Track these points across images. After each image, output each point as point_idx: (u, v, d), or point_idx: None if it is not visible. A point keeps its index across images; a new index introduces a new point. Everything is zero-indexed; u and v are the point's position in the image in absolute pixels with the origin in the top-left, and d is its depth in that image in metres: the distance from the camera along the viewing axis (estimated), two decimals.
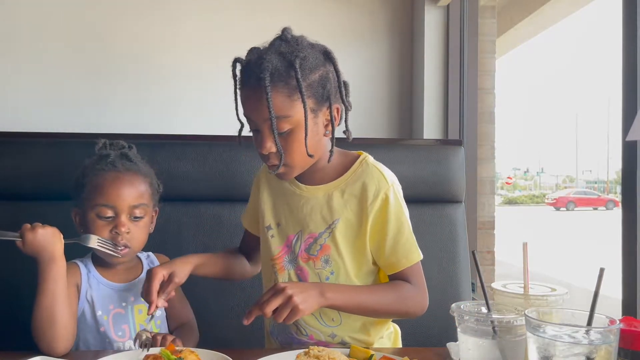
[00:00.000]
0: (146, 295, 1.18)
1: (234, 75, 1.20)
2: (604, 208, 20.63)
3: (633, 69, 1.30)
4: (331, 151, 1.22)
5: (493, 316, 0.92)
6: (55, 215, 1.66)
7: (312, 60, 1.15)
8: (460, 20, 2.30)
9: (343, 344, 1.26)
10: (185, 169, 1.70)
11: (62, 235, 1.20)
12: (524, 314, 0.84)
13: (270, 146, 1.15)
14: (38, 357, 1.06)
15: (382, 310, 1.23)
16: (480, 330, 0.91)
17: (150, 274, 1.20)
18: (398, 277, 1.25)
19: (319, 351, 1.02)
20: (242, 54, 1.22)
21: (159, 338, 1.19)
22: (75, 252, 1.32)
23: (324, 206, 1.25)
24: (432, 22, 2.30)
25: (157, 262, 1.43)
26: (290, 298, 1.09)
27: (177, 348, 1.09)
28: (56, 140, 1.79)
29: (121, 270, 1.37)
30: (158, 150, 1.67)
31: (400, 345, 1.39)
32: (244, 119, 1.21)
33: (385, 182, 1.23)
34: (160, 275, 1.19)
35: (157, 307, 1.17)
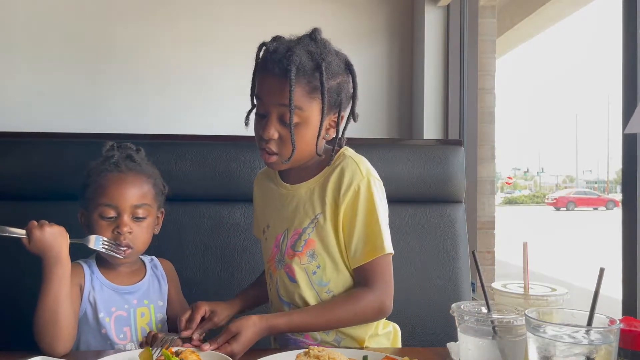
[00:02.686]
0: (187, 323, 1.23)
1: (257, 57, 1.24)
2: (604, 208, 20.65)
3: (633, 66, 1.31)
4: (332, 155, 1.27)
5: (493, 316, 0.92)
6: (56, 216, 1.66)
7: (335, 66, 1.20)
8: (460, 20, 2.30)
9: (338, 343, 1.27)
10: (185, 169, 1.70)
11: (68, 235, 1.20)
12: (524, 314, 0.84)
13: (272, 133, 1.19)
14: (38, 357, 1.06)
15: (335, 326, 1.25)
16: (480, 330, 0.91)
17: (195, 306, 1.26)
18: (360, 274, 1.24)
19: (319, 351, 1.02)
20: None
21: (160, 337, 1.19)
22: (80, 252, 1.32)
23: (306, 202, 1.27)
24: (432, 22, 2.30)
25: (160, 266, 1.43)
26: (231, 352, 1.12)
27: (176, 348, 1.09)
28: (56, 140, 1.79)
29: (124, 272, 1.36)
30: (158, 150, 1.67)
31: (399, 345, 1.39)
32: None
33: (360, 174, 1.23)
34: (203, 310, 1.25)
35: (191, 339, 1.18)
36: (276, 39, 1.23)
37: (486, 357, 0.91)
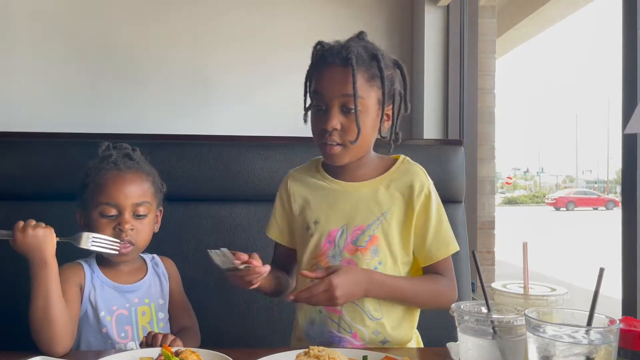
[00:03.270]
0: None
1: (313, 56, 1.31)
2: (604, 208, 20.62)
3: (633, 66, 1.31)
4: (390, 144, 1.35)
5: (493, 316, 0.92)
6: (55, 215, 1.66)
7: (387, 59, 1.29)
8: (460, 20, 2.30)
9: (383, 344, 1.28)
10: (185, 169, 1.70)
11: (54, 236, 1.18)
12: (524, 314, 0.84)
13: (335, 123, 1.23)
14: (38, 357, 1.06)
15: (417, 301, 1.32)
16: (480, 330, 0.91)
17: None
18: (432, 270, 1.32)
19: (319, 351, 1.02)
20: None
21: (160, 337, 1.19)
22: (81, 251, 1.32)
23: (370, 200, 1.32)
24: (432, 22, 2.30)
25: (162, 265, 1.44)
26: (332, 291, 1.18)
27: (176, 348, 1.09)
28: (56, 140, 1.79)
29: (125, 271, 1.37)
30: (158, 150, 1.67)
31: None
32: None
33: (427, 179, 1.34)
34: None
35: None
36: (322, 42, 1.31)
37: (486, 357, 0.91)
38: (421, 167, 1.37)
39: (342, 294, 1.19)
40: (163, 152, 1.69)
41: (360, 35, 1.30)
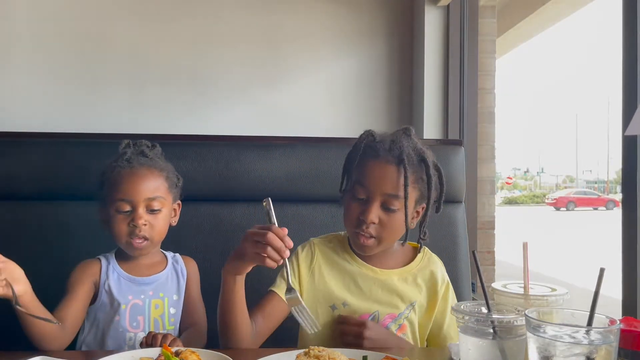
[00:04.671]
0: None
1: (361, 142, 1.32)
2: (604, 208, 20.63)
3: (633, 67, 1.31)
4: (420, 241, 1.40)
5: (493, 316, 0.92)
6: (55, 215, 1.66)
7: (429, 162, 1.31)
8: (460, 20, 2.30)
9: None
10: (185, 169, 1.69)
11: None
12: (524, 314, 0.84)
13: (374, 218, 1.26)
14: (38, 357, 1.06)
15: None
16: (480, 330, 0.91)
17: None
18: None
19: (319, 351, 1.02)
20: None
21: (160, 337, 1.19)
22: (101, 247, 1.39)
23: (401, 289, 1.34)
24: (432, 22, 2.30)
25: (182, 262, 1.48)
26: (364, 329, 1.24)
27: (176, 348, 1.09)
28: (56, 140, 1.79)
29: (143, 264, 1.42)
30: None
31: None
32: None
33: (444, 271, 1.40)
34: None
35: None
36: (370, 132, 1.32)
37: (486, 357, 0.91)
38: (437, 256, 1.43)
39: (371, 337, 1.23)
40: (163, 152, 1.69)
41: (407, 132, 1.32)
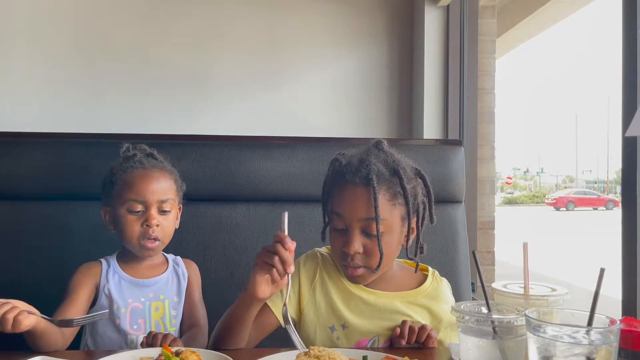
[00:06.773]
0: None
1: (330, 170, 1.25)
2: (604, 208, 20.63)
3: (633, 68, 1.30)
4: (416, 262, 1.29)
5: (493, 316, 0.92)
6: (55, 216, 1.66)
7: (409, 172, 1.22)
8: (460, 20, 2.30)
9: None
10: (185, 169, 1.69)
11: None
12: (524, 314, 0.84)
13: (357, 247, 1.18)
14: (38, 357, 1.06)
15: None
16: (480, 330, 0.91)
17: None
18: None
19: (319, 351, 1.02)
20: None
21: (160, 337, 1.19)
22: (101, 247, 1.39)
23: (404, 313, 1.27)
24: (432, 22, 2.30)
25: (182, 265, 1.48)
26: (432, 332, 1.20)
27: (176, 348, 1.09)
28: (56, 140, 1.79)
29: (145, 266, 1.42)
30: (158, 151, 1.67)
31: None
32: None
33: (451, 295, 1.33)
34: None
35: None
36: (341, 154, 1.24)
37: (486, 357, 0.91)
38: (446, 280, 1.35)
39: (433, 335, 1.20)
40: (163, 152, 1.68)
41: (378, 145, 1.24)
